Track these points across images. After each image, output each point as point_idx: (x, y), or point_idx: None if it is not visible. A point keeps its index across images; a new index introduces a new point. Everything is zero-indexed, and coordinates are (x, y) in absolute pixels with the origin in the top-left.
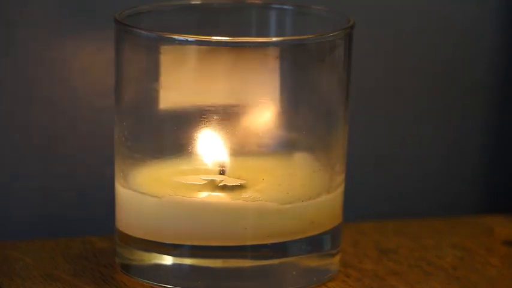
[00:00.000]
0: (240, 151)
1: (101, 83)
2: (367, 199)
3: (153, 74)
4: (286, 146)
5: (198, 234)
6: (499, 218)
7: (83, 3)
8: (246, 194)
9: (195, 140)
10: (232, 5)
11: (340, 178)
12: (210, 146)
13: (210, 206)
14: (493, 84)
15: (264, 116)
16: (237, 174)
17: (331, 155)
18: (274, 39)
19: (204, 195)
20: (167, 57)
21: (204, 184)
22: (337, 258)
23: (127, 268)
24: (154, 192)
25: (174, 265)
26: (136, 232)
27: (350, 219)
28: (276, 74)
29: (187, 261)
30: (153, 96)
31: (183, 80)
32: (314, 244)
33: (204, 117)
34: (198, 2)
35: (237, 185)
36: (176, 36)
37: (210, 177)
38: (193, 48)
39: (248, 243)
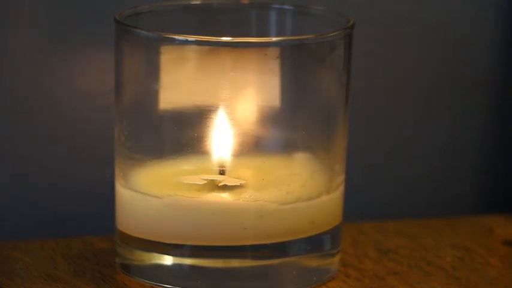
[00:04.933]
0: (240, 151)
1: (101, 83)
2: (367, 199)
3: (153, 74)
4: (286, 146)
5: (198, 234)
6: (499, 218)
7: (83, 4)
8: (246, 194)
9: (195, 140)
10: (232, 5)
11: (340, 178)
12: (210, 146)
13: (210, 206)
14: (493, 84)
15: (263, 116)
16: (237, 174)
17: (331, 155)
18: (274, 39)
19: (204, 195)
20: (167, 57)
21: (204, 184)
22: (337, 258)
23: (127, 268)
24: (154, 192)
25: (174, 265)
26: (136, 232)
27: (350, 219)
28: (276, 74)
29: (188, 261)
30: (153, 96)
31: (183, 80)
32: (314, 244)
33: (204, 117)
34: (198, 2)
35: (237, 185)
36: (176, 36)
37: (210, 177)
38: (193, 48)
39: (248, 243)
